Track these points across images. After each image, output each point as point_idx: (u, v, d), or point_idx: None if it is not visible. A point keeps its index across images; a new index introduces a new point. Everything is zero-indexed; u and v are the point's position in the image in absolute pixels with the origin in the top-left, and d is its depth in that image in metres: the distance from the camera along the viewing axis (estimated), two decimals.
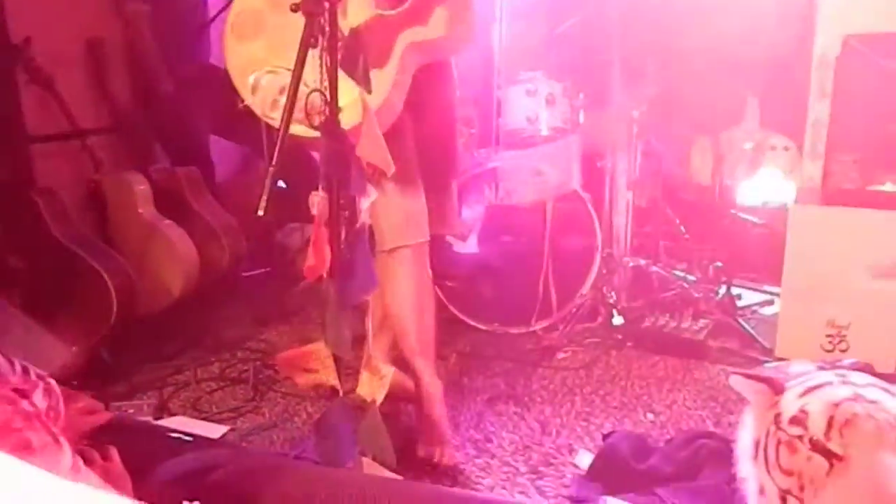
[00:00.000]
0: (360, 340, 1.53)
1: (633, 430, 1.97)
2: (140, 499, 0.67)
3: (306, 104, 1.27)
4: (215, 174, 3.14)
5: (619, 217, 2.79)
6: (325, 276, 1.36)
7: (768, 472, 0.83)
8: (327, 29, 1.25)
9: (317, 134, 1.31)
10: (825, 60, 2.28)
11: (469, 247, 2.78)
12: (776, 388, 0.86)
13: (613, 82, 2.76)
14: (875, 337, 2.20)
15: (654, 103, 2.78)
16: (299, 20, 1.23)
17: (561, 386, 2.28)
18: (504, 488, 1.74)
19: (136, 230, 2.60)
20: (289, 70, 1.22)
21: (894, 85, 2.40)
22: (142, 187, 2.62)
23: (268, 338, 2.68)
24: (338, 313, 1.39)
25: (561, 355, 2.51)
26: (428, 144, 1.85)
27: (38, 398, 0.91)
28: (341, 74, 1.31)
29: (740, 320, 2.65)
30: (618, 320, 2.66)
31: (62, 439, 0.80)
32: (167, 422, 2.03)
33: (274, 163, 1.15)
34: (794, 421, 0.81)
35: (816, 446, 0.78)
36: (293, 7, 1.24)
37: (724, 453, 1.55)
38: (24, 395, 0.83)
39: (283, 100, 1.22)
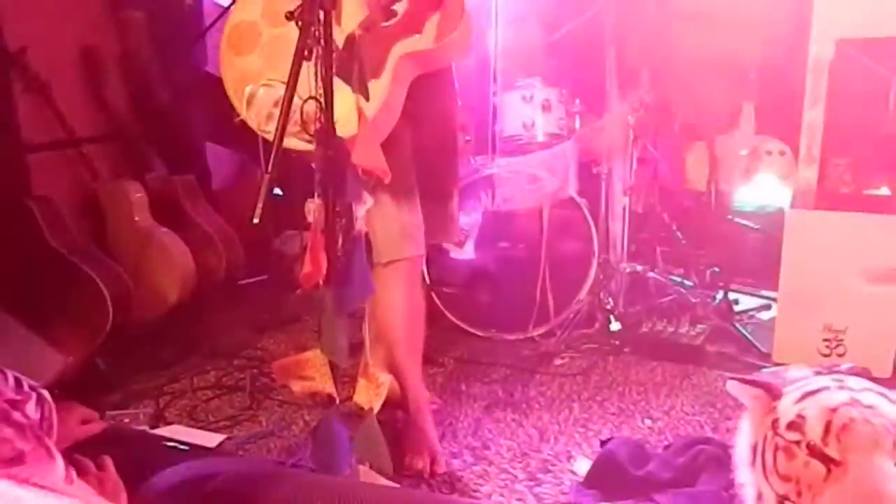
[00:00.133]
0: (356, 348, 1.52)
1: (631, 437, 1.96)
2: None
3: (302, 113, 1.28)
4: (212, 182, 3.15)
5: (615, 223, 2.79)
6: (321, 283, 1.36)
7: (766, 477, 0.83)
8: (321, 38, 1.26)
9: (311, 147, 1.31)
10: (819, 65, 2.29)
11: (466, 253, 2.78)
12: (773, 394, 0.86)
13: (609, 88, 2.77)
14: (872, 341, 2.21)
15: (650, 109, 2.79)
16: (294, 33, 1.23)
17: (559, 392, 2.27)
18: (502, 495, 1.73)
19: (133, 238, 2.59)
20: (283, 83, 1.22)
21: (888, 89, 2.42)
22: (138, 195, 2.62)
23: (265, 345, 2.67)
24: (334, 321, 1.38)
25: (558, 361, 2.50)
26: (429, 153, 1.84)
27: (31, 409, 0.91)
28: (337, 83, 1.32)
29: (737, 325, 2.65)
30: (615, 326, 2.65)
31: (55, 451, 0.80)
32: (163, 431, 2.02)
33: (269, 170, 1.15)
34: (792, 426, 0.81)
35: (814, 451, 0.78)
36: (288, 15, 1.24)
37: (722, 459, 1.56)
38: (16, 406, 0.83)
39: (277, 113, 1.23)
